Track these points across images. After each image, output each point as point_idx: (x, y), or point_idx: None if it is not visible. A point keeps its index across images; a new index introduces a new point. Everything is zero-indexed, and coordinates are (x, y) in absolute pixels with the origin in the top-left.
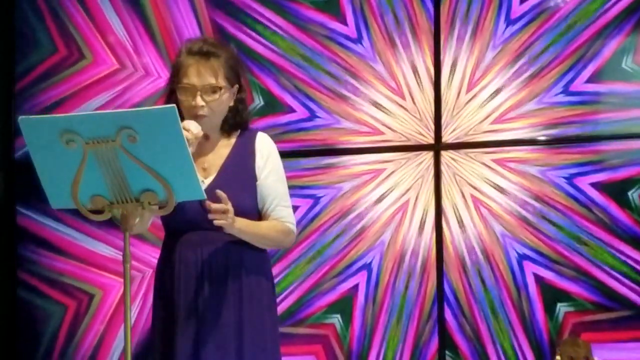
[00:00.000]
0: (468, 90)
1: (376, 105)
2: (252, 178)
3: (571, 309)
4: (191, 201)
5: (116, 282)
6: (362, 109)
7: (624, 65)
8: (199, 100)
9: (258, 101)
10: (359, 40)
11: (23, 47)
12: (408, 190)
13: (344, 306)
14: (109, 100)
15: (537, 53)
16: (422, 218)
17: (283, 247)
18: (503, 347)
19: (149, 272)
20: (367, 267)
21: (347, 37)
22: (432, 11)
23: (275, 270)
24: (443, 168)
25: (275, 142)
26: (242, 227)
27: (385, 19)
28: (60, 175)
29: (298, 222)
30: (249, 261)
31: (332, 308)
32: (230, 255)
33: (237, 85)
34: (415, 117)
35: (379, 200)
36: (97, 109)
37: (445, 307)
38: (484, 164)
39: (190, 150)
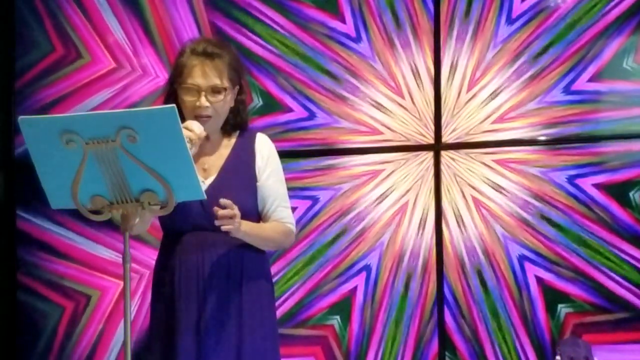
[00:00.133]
0: (468, 90)
1: (376, 105)
2: (252, 178)
3: (570, 310)
4: (191, 202)
5: (113, 283)
6: (361, 109)
7: (624, 65)
8: (204, 101)
9: (257, 101)
10: (358, 39)
11: (22, 47)
12: (408, 190)
13: (343, 307)
14: (107, 99)
15: (537, 53)
16: (422, 218)
17: (283, 248)
18: (504, 348)
19: (147, 273)
20: (368, 268)
21: (347, 37)
22: (432, 11)
23: (274, 271)
24: (443, 168)
25: (275, 141)
26: (248, 230)
27: (385, 19)
28: (60, 175)
29: (297, 222)
30: (250, 263)
31: (332, 309)
32: (231, 257)
33: (237, 86)
34: (415, 117)
35: (379, 201)
36: (95, 107)
37: (446, 308)
38: (484, 163)
39: (194, 150)
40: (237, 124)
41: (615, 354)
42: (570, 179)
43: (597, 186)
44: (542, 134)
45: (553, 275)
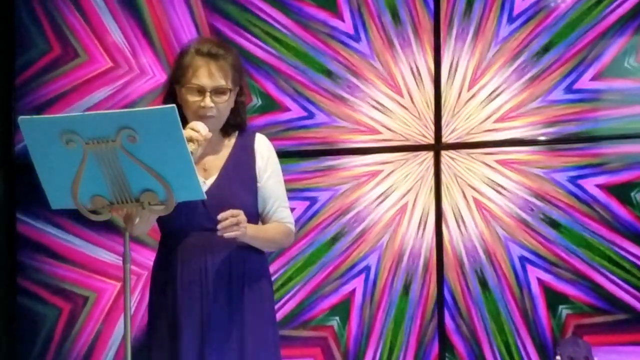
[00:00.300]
0: (469, 90)
1: (376, 105)
2: (252, 179)
3: (570, 311)
4: (191, 202)
5: (109, 285)
6: (361, 109)
7: (625, 64)
8: (209, 101)
9: (256, 101)
10: (357, 38)
11: (20, 47)
12: (409, 191)
13: (343, 308)
14: (106, 98)
15: (538, 52)
16: (422, 219)
17: (282, 248)
18: (505, 349)
19: (145, 274)
20: (368, 268)
21: (347, 35)
22: (432, 9)
23: (273, 270)
24: (443, 168)
25: (274, 140)
26: (253, 233)
27: (385, 18)
28: (60, 175)
29: (297, 222)
30: (251, 263)
31: (333, 310)
32: (233, 258)
33: (238, 87)
34: (415, 117)
35: (379, 201)
36: (93, 105)
37: (446, 309)
38: (484, 163)
39: (200, 151)
40: (236, 124)
41: (615, 355)
42: (571, 180)
43: (598, 187)
44: (542, 133)
45: (553, 277)
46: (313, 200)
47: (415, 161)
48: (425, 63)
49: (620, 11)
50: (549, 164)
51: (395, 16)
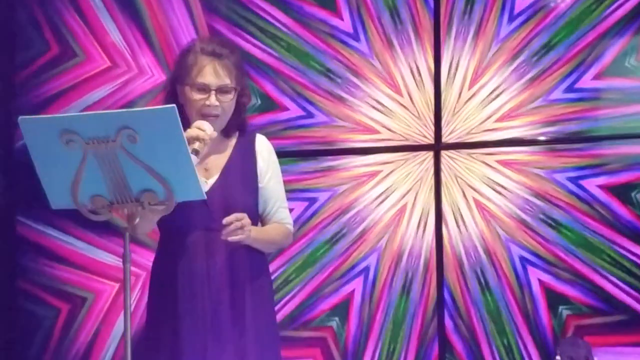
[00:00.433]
0: (469, 89)
1: (376, 105)
2: (253, 179)
3: (570, 312)
4: (193, 202)
5: (107, 285)
6: (360, 110)
7: (626, 64)
8: (214, 100)
9: (255, 101)
10: (357, 38)
11: (19, 48)
12: (409, 191)
13: (342, 309)
14: (105, 97)
15: (539, 52)
16: (422, 219)
17: (282, 248)
18: (507, 349)
19: (143, 275)
20: (368, 269)
21: (346, 35)
22: (432, 9)
23: (272, 271)
24: (443, 168)
25: (273, 139)
26: (255, 236)
27: (385, 17)
28: (60, 175)
29: (296, 222)
30: (252, 264)
31: (331, 311)
32: (234, 258)
33: (240, 87)
34: (415, 117)
35: (380, 201)
36: (92, 105)
37: (446, 309)
38: (485, 163)
39: (205, 150)
40: (237, 124)
41: (615, 357)
42: (571, 181)
43: (599, 187)
44: (542, 132)
45: (553, 277)
46: (313, 201)
47: (415, 161)
48: (425, 62)
49: (621, 12)
50: (549, 164)
51: (396, 15)
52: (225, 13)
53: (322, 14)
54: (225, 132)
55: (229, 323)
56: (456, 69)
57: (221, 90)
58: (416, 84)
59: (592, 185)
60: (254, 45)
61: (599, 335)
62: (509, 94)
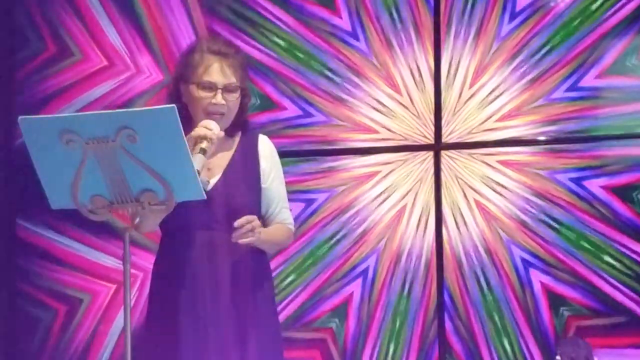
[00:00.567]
0: (469, 88)
1: (376, 105)
2: (256, 179)
3: (570, 313)
4: (195, 201)
5: (104, 287)
6: (360, 111)
7: (627, 64)
8: (220, 98)
9: (255, 100)
10: (356, 37)
11: (19, 50)
12: (409, 191)
13: (342, 310)
14: (103, 95)
15: (539, 52)
16: (422, 219)
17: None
18: (504, 350)
19: (141, 275)
20: (369, 270)
21: (346, 34)
22: (433, 9)
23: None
24: (443, 168)
25: (273, 138)
26: (264, 238)
27: (385, 16)
28: (60, 175)
29: (295, 222)
30: (253, 263)
31: (331, 312)
32: (235, 258)
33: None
34: (415, 117)
35: (380, 202)
36: (90, 103)
37: (446, 309)
38: (485, 162)
39: (212, 149)
40: (240, 124)
41: (615, 358)
42: (573, 181)
43: (601, 188)
44: (542, 132)
45: (554, 278)
46: (313, 202)
47: (415, 161)
48: (425, 62)
49: (622, 13)
50: (550, 165)
51: (396, 14)
52: (224, 13)
53: (321, 12)
54: (228, 132)
55: (229, 322)
56: (457, 68)
57: (227, 89)
58: (415, 84)
59: (593, 185)
60: (252, 46)
61: (599, 337)
62: (509, 94)
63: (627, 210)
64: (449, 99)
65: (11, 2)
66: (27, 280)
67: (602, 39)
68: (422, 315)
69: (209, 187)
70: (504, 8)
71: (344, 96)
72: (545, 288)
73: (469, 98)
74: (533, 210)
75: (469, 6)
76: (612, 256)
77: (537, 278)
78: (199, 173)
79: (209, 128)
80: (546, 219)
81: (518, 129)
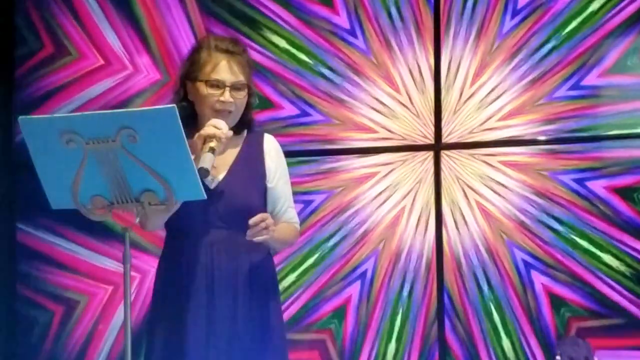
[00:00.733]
0: (470, 87)
1: (376, 106)
2: (261, 178)
3: (570, 314)
4: (200, 200)
5: (101, 288)
6: (360, 111)
7: (628, 63)
8: (228, 96)
9: (253, 100)
10: (356, 36)
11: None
12: (409, 191)
13: (341, 311)
14: (102, 93)
15: (539, 52)
16: (422, 219)
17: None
18: (509, 349)
19: (138, 277)
20: (370, 270)
21: (344, 34)
22: (433, 9)
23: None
24: (443, 167)
25: (274, 136)
26: (276, 235)
27: (385, 15)
28: (61, 175)
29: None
30: (258, 262)
31: (335, 313)
32: (240, 256)
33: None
34: (415, 117)
35: (380, 202)
36: (88, 102)
37: (446, 309)
38: (485, 162)
39: (221, 148)
40: (245, 122)
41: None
42: (573, 182)
43: (599, 186)
44: (542, 130)
45: (554, 278)
46: (312, 203)
47: (415, 161)
48: (426, 61)
49: (624, 14)
50: (550, 166)
51: (396, 14)
52: (221, 13)
53: (320, 11)
54: (234, 130)
55: (234, 320)
56: (457, 67)
57: (235, 87)
58: (415, 84)
59: (594, 186)
60: (249, 46)
61: (599, 338)
62: (509, 95)
63: (628, 208)
64: (449, 98)
65: (10, 2)
66: (26, 283)
67: (604, 39)
68: (423, 316)
69: (214, 185)
70: (505, 7)
71: (344, 97)
72: (546, 289)
73: (469, 97)
74: (534, 210)
75: (470, 5)
76: (613, 255)
77: (540, 276)
78: (208, 172)
79: (218, 127)
80: (547, 218)
81: (518, 128)
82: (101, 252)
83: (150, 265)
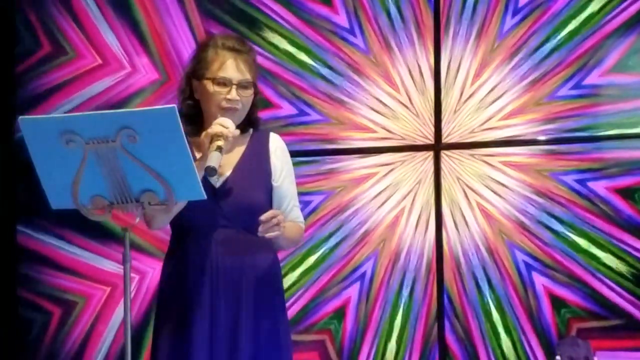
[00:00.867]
0: (470, 87)
1: (376, 105)
2: (266, 177)
3: (570, 315)
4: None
5: (98, 289)
6: (359, 112)
7: (628, 62)
8: (235, 94)
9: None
10: (356, 36)
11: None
12: (410, 191)
13: (341, 311)
14: (101, 92)
15: (539, 53)
16: (424, 220)
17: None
18: (509, 349)
19: (137, 278)
20: (370, 271)
21: (344, 33)
22: (433, 8)
23: None
24: (443, 167)
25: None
26: (286, 233)
27: (386, 15)
28: (61, 175)
29: None
30: (263, 261)
31: (336, 314)
32: (245, 255)
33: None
34: (415, 117)
35: (380, 202)
36: (88, 99)
37: (447, 309)
38: (485, 162)
39: (228, 146)
40: (251, 121)
41: None
42: (573, 182)
43: (600, 187)
44: (542, 130)
45: (554, 278)
46: (312, 203)
47: (415, 161)
48: (426, 61)
49: (625, 15)
50: (550, 167)
51: (397, 13)
52: (219, 14)
53: (321, 10)
54: (240, 129)
55: (237, 319)
56: (457, 67)
57: (241, 86)
58: (415, 85)
59: (595, 187)
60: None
61: (598, 339)
62: (510, 95)
63: (628, 207)
64: (449, 98)
65: (8, 2)
66: (26, 285)
67: (605, 39)
68: (423, 316)
69: (219, 184)
70: (506, 7)
71: (343, 97)
72: (547, 289)
73: (469, 97)
74: (534, 210)
75: (470, 4)
76: (614, 254)
77: (540, 276)
78: (216, 170)
79: (226, 126)
80: (547, 218)
81: (518, 127)
82: (100, 254)
83: (148, 266)
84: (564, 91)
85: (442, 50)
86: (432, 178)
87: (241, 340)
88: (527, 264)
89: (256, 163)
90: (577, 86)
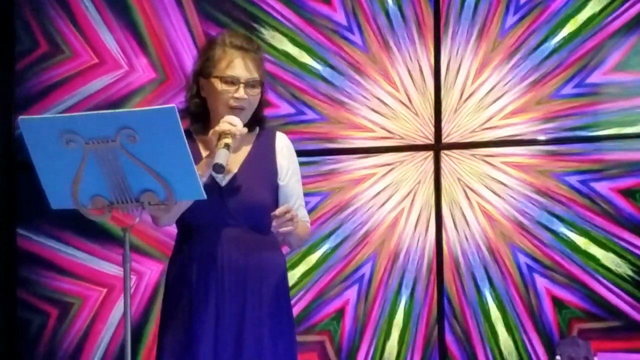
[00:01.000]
0: (470, 86)
1: (376, 105)
2: (272, 176)
3: (571, 315)
4: (211, 196)
5: (96, 290)
6: (359, 111)
7: (629, 62)
8: (243, 93)
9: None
10: (356, 35)
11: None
12: (410, 191)
13: (340, 312)
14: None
15: (541, 52)
16: (424, 220)
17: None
18: (513, 347)
19: (134, 278)
20: (370, 271)
21: (343, 31)
22: (433, 8)
23: None
24: (443, 167)
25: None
26: (297, 230)
27: (385, 16)
28: (60, 175)
29: None
30: (268, 260)
31: (336, 314)
32: (250, 254)
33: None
34: (415, 116)
35: (380, 203)
36: (87, 97)
37: (447, 309)
38: (485, 162)
39: (235, 144)
40: (257, 120)
41: None
42: (573, 183)
43: (600, 187)
44: (542, 129)
45: (553, 279)
46: (310, 203)
47: (415, 161)
48: (426, 60)
49: (626, 16)
50: (550, 168)
51: (398, 12)
52: (217, 15)
53: (320, 9)
54: (247, 128)
55: (243, 319)
56: (458, 67)
57: (249, 84)
58: (414, 84)
59: (595, 187)
60: None
61: (597, 341)
62: (510, 96)
63: (629, 205)
64: (449, 98)
65: (7, 2)
66: (25, 287)
67: (605, 40)
68: (423, 317)
69: (225, 182)
70: (507, 6)
71: (343, 97)
72: (547, 289)
73: (469, 97)
74: (534, 210)
75: (471, 3)
76: (615, 253)
77: (539, 278)
78: (224, 168)
79: (233, 124)
80: (548, 218)
81: (518, 126)
82: (98, 256)
83: (147, 267)
84: (564, 90)
85: (442, 49)
86: (432, 178)
87: (246, 339)
88: (528, 265)
89: (262, 162)
90: (577, 85)
